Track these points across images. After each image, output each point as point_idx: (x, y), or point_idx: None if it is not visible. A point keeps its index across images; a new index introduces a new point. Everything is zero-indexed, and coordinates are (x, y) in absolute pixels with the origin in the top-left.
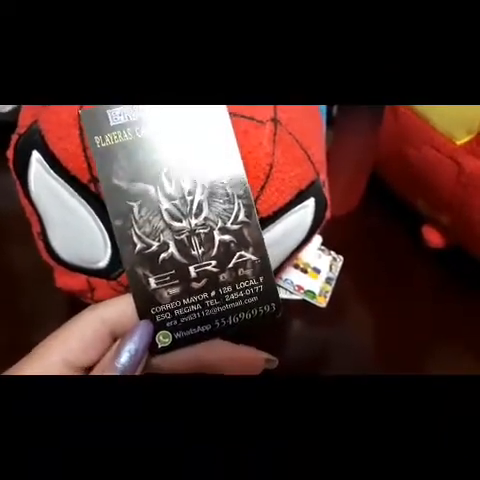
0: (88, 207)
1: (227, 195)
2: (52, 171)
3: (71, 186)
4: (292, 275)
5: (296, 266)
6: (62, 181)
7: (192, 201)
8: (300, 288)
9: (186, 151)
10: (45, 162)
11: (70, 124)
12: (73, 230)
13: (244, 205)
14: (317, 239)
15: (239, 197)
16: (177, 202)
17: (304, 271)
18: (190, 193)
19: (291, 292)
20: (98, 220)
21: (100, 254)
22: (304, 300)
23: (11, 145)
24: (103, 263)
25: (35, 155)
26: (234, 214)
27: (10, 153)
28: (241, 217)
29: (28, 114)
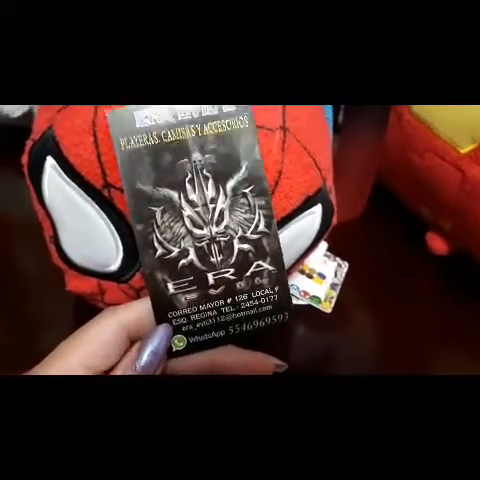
0: (101, 212)
1: (249, 205)
2: (66, 177)
3: (85, 191)
4: (298, 280)
5: (302, 272)
6: (76, 186)
7: (214, 209)
8: (306, 293)
9: (211, 158)
10: (59, 168)
11: (84, 130)
12: (85, 234)
13: (265, 216)
14: (323, 245)
15: (260, 207)
16: (199, 209)
17: (310, 277)
18: (213, 201)
19: (297, 297)
20: (110, 225)
21: (111, 258)
22: (310, 305)
23: (25, 151)
24: (114, 266)
25: (49, 161)
26: (254, 224)
27: (24, 159)
28: (261, 227)
29: (43, 120)
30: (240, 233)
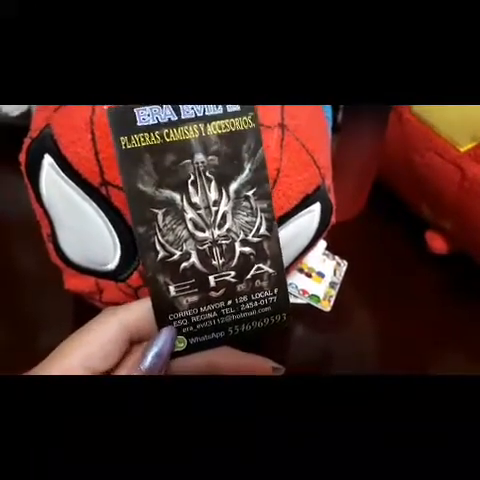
0: (99, 210)
1: (251, 208)
2: (64, 174)
3: (82, 189)
4: (297, 279)
5: (301, 270)
6: (73, 184)
7: (217, 212)
8: (305, 292)
9: (214, 160)
10: (57, 166)
11: (82, 128)
12: (83, 232)
13: (266, 219)
14: (321, 244)
15: (262, 211)
16: (202, 212)
17: (308, 275)
18: (215, 203)
19: (296, 296)
20: (108, 223)
21: (109, 256)
22: (308, 304)
23: (23, 149)
24: (112, 265)
25: (47, 159)
26: (256, 227)
27: (22, 157)
28: (262, 230)
29: (40, 118)
30: (242, 236)
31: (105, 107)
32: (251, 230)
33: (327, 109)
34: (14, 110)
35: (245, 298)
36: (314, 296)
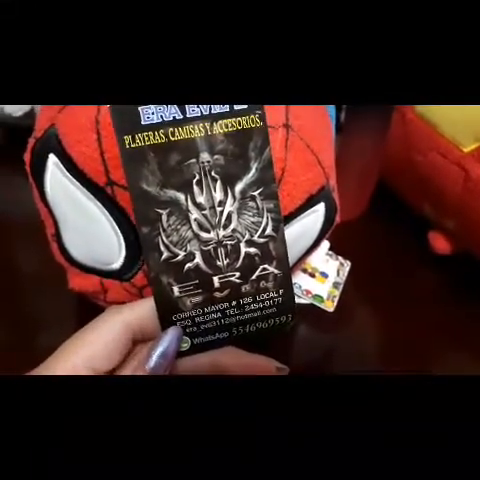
0: (104, 210)
1: (257, 208)
2: (69, 174)
3: (87, 189)
4: (300, 279)
5: (304, 270)
6: (78, 184)
7: (222, 212)
8: (308, 292)
9: (220, 159)
10: (62, 165)
11: (87, 128)
12: (88, 232)
13: (273, 219)
14: (325, 244)
15: (269, 211)
16: (207, 212)
17: (312, 275)
18: (221, 203)
19: (299, 296)
20: (113, 222)
21: (114, 256)
22: (312, 304)
23: (28, 149)
24: (117, 265)
25: (52, 158)
26: (262, 227)
27: (27, 156)
28: (268, 231)
29: (45, 118)
30: (247, 237)
31: (108, 105)
32: (257, 230)
33: (330, 109)
34: (17, 110)
35: (250, 299)
36: (317, 296)
